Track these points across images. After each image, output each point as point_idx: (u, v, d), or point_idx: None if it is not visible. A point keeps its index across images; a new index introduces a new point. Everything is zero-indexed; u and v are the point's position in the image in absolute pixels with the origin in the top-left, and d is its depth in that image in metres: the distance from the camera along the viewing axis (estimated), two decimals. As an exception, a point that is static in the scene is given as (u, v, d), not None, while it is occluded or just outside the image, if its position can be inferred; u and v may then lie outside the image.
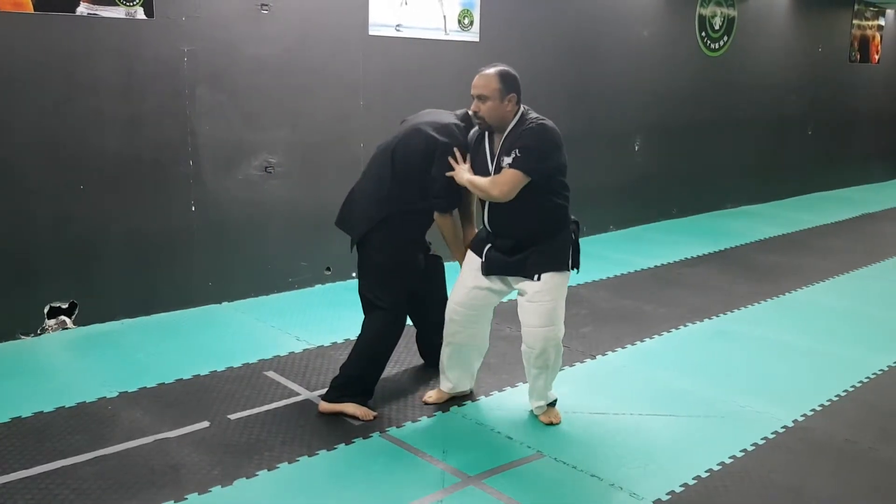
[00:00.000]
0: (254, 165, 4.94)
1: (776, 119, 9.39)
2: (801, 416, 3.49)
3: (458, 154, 3.24)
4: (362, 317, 3.49)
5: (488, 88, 3.07)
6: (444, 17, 5.72)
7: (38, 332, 4.28)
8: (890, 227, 8.28)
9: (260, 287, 5.08)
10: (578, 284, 5.46)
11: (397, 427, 3.29)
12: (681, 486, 2.88)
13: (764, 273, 6.03)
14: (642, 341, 4.42)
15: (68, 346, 4.17)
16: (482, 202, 3.26)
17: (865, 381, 3.93)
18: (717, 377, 3.92)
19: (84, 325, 4.41)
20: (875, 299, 5.44)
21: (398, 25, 5.47)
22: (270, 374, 3.82)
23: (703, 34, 8.06)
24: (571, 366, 3.99)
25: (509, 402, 3.56)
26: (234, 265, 4.95)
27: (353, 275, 5.38)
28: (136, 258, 4.55)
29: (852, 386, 3.85)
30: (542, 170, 3.09)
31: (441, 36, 5.71)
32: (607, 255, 6.41)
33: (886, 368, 4.10)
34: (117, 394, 3.55)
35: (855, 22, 10.42)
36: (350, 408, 3.34)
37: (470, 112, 3.24)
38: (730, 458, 3.09)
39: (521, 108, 3.16)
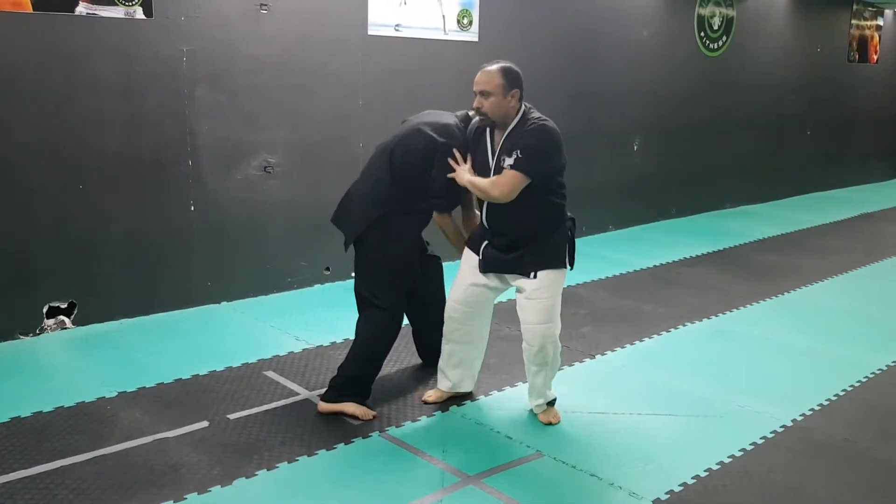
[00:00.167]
0: (253, 165, 4.94)
1: (775, 119, 9.39)
2: (800, 415, 3.49)
3: (458, 155, 3.24)
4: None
5: (491, 84, 3.06)
6: (444, 16, 5.72)
7: (38, 331, 4.28)
8: (889, 227, 8.29)
9: (259, 287, 5.08)
10: (578, 284, 5.47)
11: (397, 426, 3.29)
12: (680, 485, 2.88)
13: (763, 273, 6.04)
14: (641, 341, 4.42)
15: (67, 346, 4.17)
16: (480, 200, 3.26)
17: (864, 380, 3.93)
18: (717, 377, 3.92)
19: (83, 324, 4.41)
20: (874, 299, 5.44)
21: (397, 25, 5.47)
22: (270, 373, 3.82)
23: (702, 34, 8.07)
24: (571, 365, 3.99)
25: (509, 402, 3.56)
26: (234, 265, 4.95)
27: (353, 275, 5.37)
28: (135, 258, 4.55)
29: (851, 385, 3.85)
30: (544, 172, 3.10)
31: (440, 36, 5.71)
32: (606, 255, 6.42)
33: (885, 368, 4.10)
34: (116, 394, 3.55)
35: (853, 22, 10.43)
36: (349, 407, 3.34)
37: (471, 111, 3.24)
38: (729, 457, 3.09)
39: (524, 106, 3.16)
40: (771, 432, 3.32)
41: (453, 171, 3.24)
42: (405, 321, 3.58)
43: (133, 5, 4.31)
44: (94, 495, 2.71)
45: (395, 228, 3.34)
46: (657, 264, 6.21)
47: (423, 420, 3.37)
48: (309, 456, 3.03)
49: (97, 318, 4.46)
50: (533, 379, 3.34)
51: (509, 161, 3.07)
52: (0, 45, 3.96)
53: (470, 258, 3.36)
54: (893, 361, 4.19)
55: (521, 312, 3.27)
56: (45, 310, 4.29)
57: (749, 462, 3.07)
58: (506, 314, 4.39)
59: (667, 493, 2.82)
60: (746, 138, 8.96)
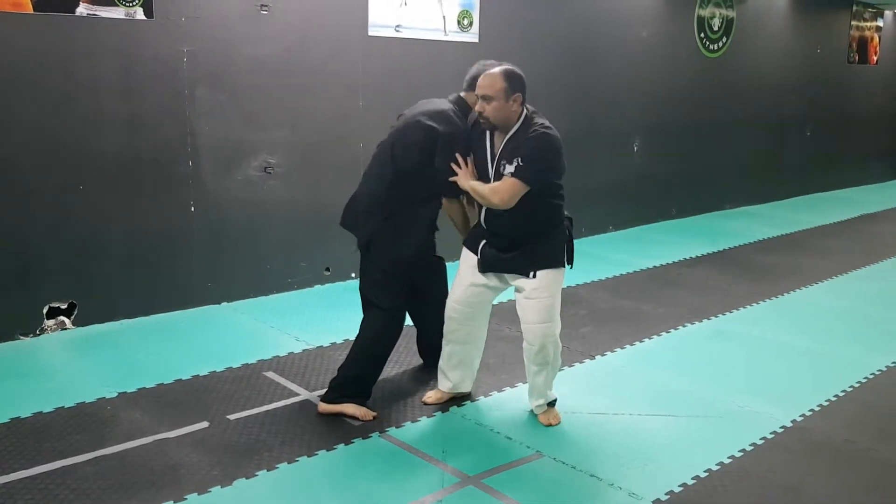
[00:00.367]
0: (253, 166, 4.94)
1: (775, 120, 9.40)
2: (800, 416, 3.50)
3: (460, 159, 3.24)
4: (361, 317, 3.49)
5: (493, 88, 3.05)
6: (444, 17, 5.72)
7: (38, 332, 4.28)
8: (888, 227, 8.29)
9: (259, 287, 5.08)
10: (577, 285, 5.47)
11: (397, 427, 3.29)
12: (680, 485, 2.88)
13: (763, 273, 6.04)
14: (641, 341, 4.42)
15: (67, 347, 4.17)
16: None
17: (864, 381, 3.93)
18: (716, 377, 3.92)
19: (83, 325, 4.41)
20: (874, 299, 5.45)
21: (398, 26, 5.47)
22: (270, 374, 3.83)
23: (702, 35, 8.07)
24: (571, 366, 3.99)
25: (509, 403, 3.56)
26: (234, 265, 4.95)
27: (353, 275, 5.38)
28: (135, 258, 4.55)
29: (851, 386, 3.85)
30: (544, 181, 3.11)
31: (440, 36, 5.71)
32: (606, 256, 6.42)
33: (885, 368, 4.10)
34: (116, 394, 3.55)
35: (853, 23, 10.43)
36: (349, 408, 3.34)
37: (462, 93, 3.27)
38: (728, 458, 3.10)
39: (526, 110, 3.15)
40: (770, 433, 3.32)
41: (456, 159, 3.22)
42: (408, 322, 3.59)
43: (133, 6, 4.32)
44: (95, 496, 2.71)
45: (404, 228, 3.33)
46: (657, 265, 6.21)
47: (424, 421, 3.37)
48: (309, 456, 3.03)
49: (97, 318, 4.46)
50: (533, 379, 3.34)
51: (510, 169, 3.07)
52: (0, 45, 3.96)
53: (469, 258, 3.36)
54: (893, 362, 4.19)
55: (520, 312, 3.28)
56: (45, 310, 4.29)
57: (749, 462, 3.07)
58: (505, 315, 4.39)
59: (666, 494, 2.82)
60: (746, 139, 8.97)
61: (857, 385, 3.88)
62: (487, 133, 3.20)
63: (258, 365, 3.93)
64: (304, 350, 4.17)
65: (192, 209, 4.72)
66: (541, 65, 6.38)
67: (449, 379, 3.51)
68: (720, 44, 8.33)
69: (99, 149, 4.34)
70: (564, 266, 3.27)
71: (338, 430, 3.24)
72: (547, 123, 3.13)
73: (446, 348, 3.48)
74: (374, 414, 3.35)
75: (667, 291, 5.45)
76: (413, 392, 3.65)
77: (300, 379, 3.77)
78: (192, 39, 4.55)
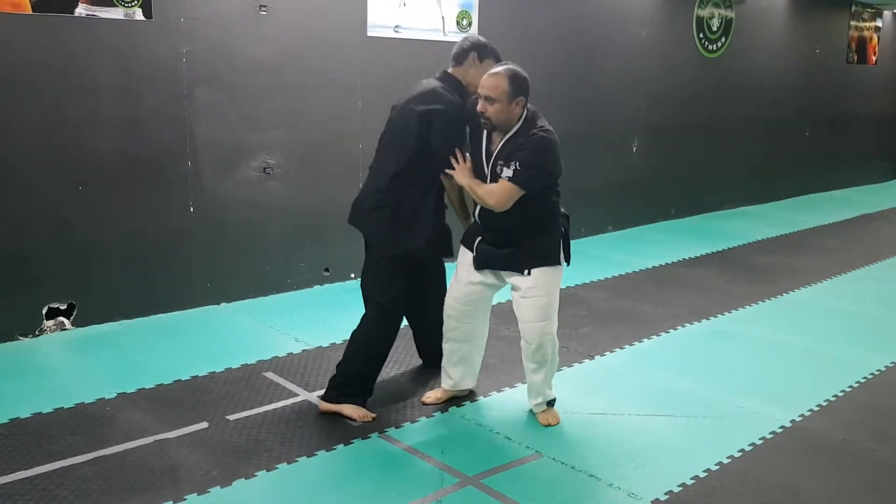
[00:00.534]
0: (252, 166, 4.94)
1: (774, 120, 9.40)
2: (799, 416, 3.50)
3: (458, 154, 3.23)
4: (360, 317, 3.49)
5: (497, 90, 3.04)
6: (443, 18, 5.72)
7: (37, 332, 4.28)
8: (887, 227, 8.30)
9: (258, 288, 5.08)
10: (577, 285, 5.47)
11: (396, 428, 3.30)
12: (679, 486, 2.89)
13: (761, 273, 6.05)
14: (640, 342, 4.43)
15: (67, 347, 4.17)
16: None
17: (863, 381, 3.94)
18: (715, 377, 3.93)
19: (82, 325, 4.41)
20: (872, 300, 5.45)
21: (397, 26, 5.47)
22: (269, 374, 3.83)
23: (701, 35, 8.08)
24: (570, 366, 4.00)
25: (508, 403, 3.56)
26: (233, 266, 4.95)
27: (352, 276, 5.38)
28: (134, 259, 4.55)
29: (850, 386, 3.86)
30: (541, 185, 3.12)
31: (440, 37, 5.72)
32: (605, 256, 6.42)
33: (884, 369, 4.11)
34: (116, 395, 3.55)
35: (852, 23, 10.44)
36: (347, 409, 3.34)
37: (449, 68, 3.30)
38: (728, 458, 3.10)
39: (528, 111, 3.14)
40: (769, 433, 3.32)
41: (453, 134, 3.21)
42: (404, 323, 3.59)
43: (132, 6, 4.32)
44: (94, 496, 2.71)
45: (413, 217, 3.31)
46: (656, 265, 6.22)
47: (423, 421, 3.38)
48: (308, 457, 3.03)
49: (96, 319, 4.46)
50: (531, 377, 3.35)
51: (507, 172, 3.07)
52: (-1, 46, 3.97)
53: (466, 256, 3.37)
54: (892, 362, 4.20)
55: (517, 311, 3.28)
56: (44, 311, 4.29)
57: (748, 463, 3.07)
58: (504, 315, 4.39)
59: (666, 494, 2.83)
60: (746, 139, 8.97)
61: (855, 385, 3.88)
62: (485, 130, 3.19)
63: (257, 365, 3.94)
64: (303, 350, 4.17)
65: (192, 209, 4.72)
66: (540, 65, 6.37)
67: (450, 377, 3.52)
68: (719, 44, 8.33)
69: (98, 149, 4.34)
70: (561, 264, 3.28)
71: (337, 431, 3.24)
72: (546, 126, 3.12)
73: (446, 346, 3.49)
74: (373, 415, 3.35)
75: (666, 292, 5.45)
76: (412, 392, 3.65)
77: (299, 379, 3.77)
78: (191, 40, 4.55)
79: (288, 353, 4.11)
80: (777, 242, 7.29)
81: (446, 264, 3.76)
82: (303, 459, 3.01)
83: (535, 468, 3.00)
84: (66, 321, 4.37)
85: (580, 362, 4.08)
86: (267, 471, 2.92)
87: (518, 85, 3.06)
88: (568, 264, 3.33)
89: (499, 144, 3.14)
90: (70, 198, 4.28)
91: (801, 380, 3.94)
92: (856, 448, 3.23)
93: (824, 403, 3.65)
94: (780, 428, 3.38)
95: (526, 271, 3.20)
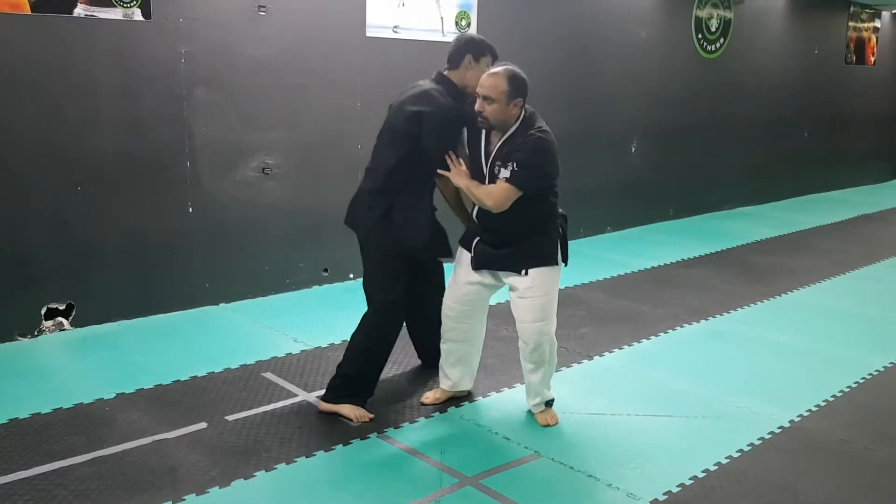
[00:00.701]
0: (251, 167, 4.94)
1: (773, 121, 9.41)
2: (798, 416, 3.50)
3: (452, 156, 3.24)
4: (360, 318, 3.49)
5: (496, 91, 3.05)
6: (442, 18, 5.73)
7: (36, 333, 4.28)
8: (886, 228, 8.31)
9: (257, 288, 5.08)
10: (576, 285, 5.48)
11: (395, 428, 3.30)
12: (677, 486, 2.89)
13: (760, 274, 6.05)
14: (639, 342, 4.43)
15: (66, 348, 4.17)
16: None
17: (861, 381, 3.94)
18: (714, 378, 3.93)
19: (81, 326, 4.41)
20: (871, 300, 5.46)
21: (395, 27, 5.47)
22: (268, 375, 3.83)
23: (700, 36, 8.08)
24: (569, 366, 4.00)
25: (507, 403, 3.57)
26: (232, 266, 4.95)
27: (351, 276, 5.39)
28: (133, 259, 4.55)
29: (848, 386, 3.86)
30: (539, 186, 3.12)
31: (438, 37, 5.72)
32: (604, 257, 6.43)
33: (882, 369, 4.11)
34: (115, 395, 3.55)
35: (851, 24, 10.45)
36: (346, 409, 3.34)
37: (445, 70, 3.29)
38: (726, 458, 3.10)
39: (526, 112, 3.15)
40: (768, 433, 3.33)
41: (443, 136, 3.21)
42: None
43: (131, 7, 4.32)
44: (93, 496, 2.71)
45: (409, 217, 3.31)
46: (655, 265, 6.22)
47: (422, 421, 3.38)
48: (307, 457, 3.03)
49: (95, 319, 4.46)
50: (529, 377, 3.35)
51: (505, 173, 3.07)
52: (-2, 46, 3.97)
53: (464, 257, 3.37)
54: (891, 362, 4.20)
55: (515, 311, 3.29)
56: (43, 311, 4.29)
57: (746, 463, 3.08)
58: (503, 315, 4.39)
59: (664, 494, 2.83)
60: (744, 140, 8.98)
61: (854, 385, 3.89)
62: (483, 130, 3.20)
63: (256, 366, 3.94)
64: (302, 351, 4.17)
65: (191, 210, 4.72)
66: (539, 65, 6.38)
67: (449, 377, 3.52)
68: (718, 45, 8.34)
69: (97, 149, 4.34)
70: (559, 264, 3.28)
71: (336, 431, 3.24)
72: (544, 126, 3.13)
73: (444, 346, 3.49)
74: (371, 416, 3.35)
75: (665, 292, 5.46)
76: (411, 393, 3.65)
77: (298, 380, 3.77)
78: (189, 40, 4.55)
79: (287, 354, 4.11)
80: (776, 243, 7.30)
81: (444, 265, 3.76)
82: (301, 460, 3.01)
83: (534, 468, 3.00)
84: (64, 321, 4.37)
85: (579, 363, 4.09)
86: (266, 471, 2.92)
87: (517, 86, 3.06)
88: (566, 264, 3.33)
89: (497, 145, 3.15)
90: (69, 198, 4.28)
91: (799, 380, 3.95)
92: (854, 448, 3.23)
93: (823, 404, 3.65)
94: (778, 428, 3.38)
95: (524, 271, 3.20)
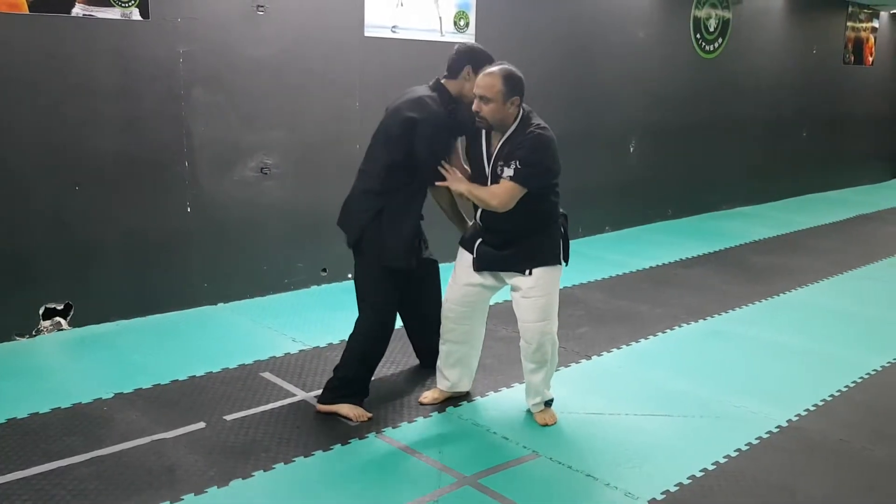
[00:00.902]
0: (250, 167, 4.94)
1: (771, 121, 9.42)
2: (796, 416, 3.51)
3: (446, 165, 3.24)
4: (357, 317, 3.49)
5: (492, 90, 3.05)
6: (440, 18, 5.73)
7: (34, 333, 4.27)
8: (884, 228, 8.32)
9: (256, 288, 5.08)
10: (574, 285, 5.48)
11: (393, 427, 3.30)
12: (675, 485, 2.89)
13: (759, 274, 6.06)
14: (637, 342, 4.43)
15: (64, 348, 4.16)
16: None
17: (859, 381, 3.95)
18: (712, 377, 3.93)
19: (80, 326, 4.41)
20: (869, 300, 5.46)
21: (394, 27, 5.47)
22: (266, 375, 3.83)
23: (698, 36, 8.09)
24: (567, 366, 4.00)
25: (505, 403, 3.57)
26: (231, 266, 4.95)
27: (349, 276, 5.38)
28: (131, 259, 4.55)
29: (846, 386, 3.87)
30: (542, 182, 3.13)
31: (437, 37, 5.72)
32: (603, 256, 6.43)
33: (880, 368, 4.12)
34: (113, 395, 3.55)
35: (849, 24, 10.46)
36: (344, 409, 3.35)
37: (442, 78, 3.29)
38: (724, 457, 3.10)
39: (523, 111, 3.15)
40: (766, 433, 3.33)
41: (433, 143, 3.21)
42: (400, 323, 3.58)
43: (129, 6, 4.32)
44: (91, 496, 2.71)
45: (395, 221, 3.31)
46: (654, 265, 6.22)
47: (420, 421, 3.38)
48: (305, 457, 3.03)
49: (94, 319, 4.45)
50: (530, 377, 3.35)
51: (508, 172, 3.08)
52: (-3, 46, 3.96)
53: (464, 258, 3.37)
54: (889, 362, 4.21)
55: (517, 311, 3.29)
56: (41, 311, 4.29)
57: (744, 462, 3.08)
58: (502, 315, 4.40)
59: (662, 494, 2.83)
60: (743, 140, 8.98)
61: (852, 385, 3.89)
62: (483, 132, 3.20)
63: (255, 366, 3.94)
64: (300, 351, 4.17)
65: (189, 210, 4.72)
66: (538, 66, 6.38)
67: (447, 378, 3.52)
68: (716, 45, 8.34)
69: (95, 149, 4.33)
70: (560, 264, 3.29)
71: (334, 431, 3.24)
72: (542, 124, 3.14)
73: (443, 347, 3.49)
74: (369, 415, 3.36)
75: (663, 292, 5.46)
76: (409, 392, 3.65)
77: (297, 380, 3.77)
78: (188, 40, 4.55)
79: (285, 354, 4.11)
80: (774, 243, 7.31)
81: (443, 264, 3.76)
82: (300, 459, 3.01)
83: (533, 468, 3.01)
84: (63, 321, 4.36)
85: (577, 362, 4.09)
86: (264, 471, 2.92)
87: (512, 85, 3.07)
88: (567, 264, 3.33)
89: (497, 145, 3.16)
90: (67, 198, 4.28)
91: (797, 380, 3.95)
92: (852, 448, 3.24)
93: (821, 403, 3.65)
94: (776, 428, 3.38)
95: (527, 271, 3.21)
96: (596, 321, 4.77)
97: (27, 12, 4.01)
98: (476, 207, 3.28)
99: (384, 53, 5.43)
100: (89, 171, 4.33)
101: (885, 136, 11.84)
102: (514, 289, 3.28)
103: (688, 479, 2.94)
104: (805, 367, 4.13)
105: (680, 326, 4.73)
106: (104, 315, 4.49)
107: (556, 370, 3.52)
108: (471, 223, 3.44)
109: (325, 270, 5.39)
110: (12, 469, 2.88)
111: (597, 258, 6.35)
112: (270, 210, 5.06)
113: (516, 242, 3.21)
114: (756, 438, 3.28)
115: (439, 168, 3.23)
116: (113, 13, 4.27)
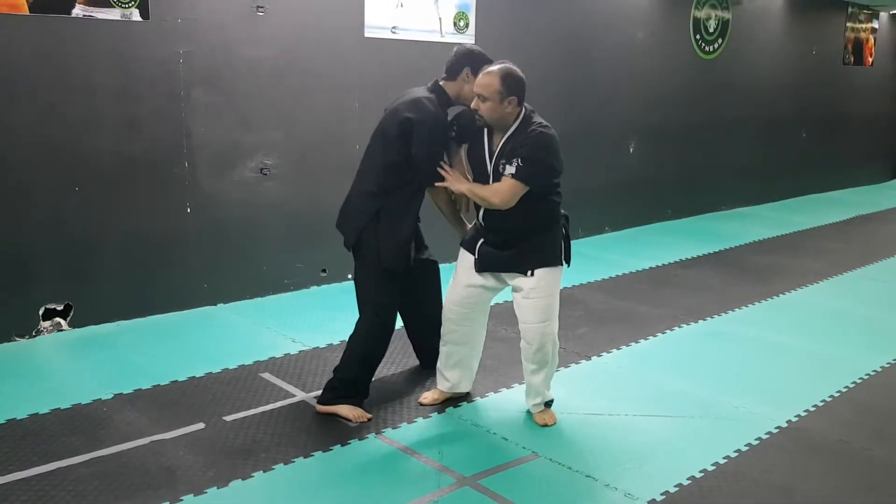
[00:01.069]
0: (249, 167, 4.94)
1: (770, 121, 9.42)
2: (795, 416, 3.51)
3: (445, 166, 3.24)
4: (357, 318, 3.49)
5: (489, 89, 3.06)
6: (440, 19, 5.73)
7: (34, 333, 4.27)
8: (884, 228, 8.32)
9: (255, 289, 5.08)
10: (574, 286, 5.48)
11: (393, 428, 3.30)
12: (675, 486, 2.89)
13: (758, 274, 6.06)
14: (637, 342, 4.43)
15: (63, 348, 4.16)
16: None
17: (859, 381, 3.94)
18: (712, 378, 3.93)
19: (79, 326, 4.41)
20: (869, 300, 5.46)
21: (394, 27, 5.48)
22: (266, 375, 3.83)
23: (698, 37, 8.09)
24: (567, 367, 4.00)
25: (505, 404, 3.57)
26: (230, 267, 4.95)
27: (349, 276, 5.38)
28: (131, 260, 4.55)
29: (846, 386, 3.87)
30: (544, 180, 3.13)
31: (437, 38, 5.72)
32: (602, 257, 6.43)
33: (880, 369, 4.12)
34: (112, 395, 3.55)
35: (848, 25, 10.47)
36: (344, 409, 3.35)
37: (441, 80, 3.31)
38: (724, 458, 3.10)
39: (524, 110, 3.16)
40: (766, 433, 3.33)
41: (429, 144, 3.22)
42: (400, 324, 3.58)
43: (129, 7, 4.32)
44: (91, 497, 2.71)
45: (393, 222, 3.31)
46: (653, 266, 6.22)
47: (420, 421, 3.38)
48: (305, 457, 3.03)
49: (93, 319, 4.45)
50: (531, 378, 3.35)
51: (510, 170, 3.08)
52: (-4, 46, 3.96)
53: (466, 259, 3.37)
54: (888, 362, 4.21)
55: (518, 311, 3.29)
56: (41, 312, 4.29)
57: (744, 463, 3.08)
58: (502, 316, 4.40)
59: (662, 494, 2.83)
60: (742, 140, 8.98)
61: (852, 385, 3.89)
62: (486, 131, 3.21)
63: (254, 366, 3.93)
64: (300, 351, 4.17)
65: (189, 210, 4.72)
66: (537, 66, 6.38)
67: (447, 379, 3.52)
68: (716, 45, 8.35)
69: (95, 150, 4.33)
70: (562, 265, 3.29)
71: (334, 431, 3.24)
72: (544, 123, 3.15)
73: (444, 349, 3.49)
74: (369, 416, 3.36)
75: (662, 292, 5.46)
76: (409, 393, 3.65)
77: (296, 380, 3.77)
78: (188, 41, 4.55)
79: (285, 354, 4.11)
80: (773, 243, 7.31)
81: (443, 264, 3.76)
82: (299, 460, 3.01)
83: (532, 468, 3.00)
84: (62, 322, 4.36)
85: (577, 363, 4.09)
86: (264, 471, 2.92)
87: (510, 84, 3.07)
88: (568, 265, 3.33)
89: (499, 144, 3.16)
90: (67, 198, 4.28)
91: (797, 380, 3.95)
92: (852, 448, 3.24)
93: (821, 404, 3.65)
94: (776, 428, 3.38)
95: (529, 272, 3.21)
96: (596, 322, 4.77)
97: (27, 13, 4.01)
98: (478, 208, 3.28)
99: (384, 54, 5.44)
100: (89, 172, 4.33)
101: (885, 136, 11.84)
102: (515, 289, 3.28)
103: (687, 479, 2.94)
104: (805, 367, 4.13)
105: (679, 327, 4.73)
106: (104, 315, 4.49)
107: (556, 371, 3.52)
108: (470, 226, 3.44)
109: (324, 271, 5.39)
110: (12, 469, 2.88)
111: (596, 258, 6.35)
112: (270, 210, 5.06)
113: (518, 243, 3.21)
114: (756, 439, 3.28)
115: (439, 169, 3.24)
116: (113, 14, 4.27)
